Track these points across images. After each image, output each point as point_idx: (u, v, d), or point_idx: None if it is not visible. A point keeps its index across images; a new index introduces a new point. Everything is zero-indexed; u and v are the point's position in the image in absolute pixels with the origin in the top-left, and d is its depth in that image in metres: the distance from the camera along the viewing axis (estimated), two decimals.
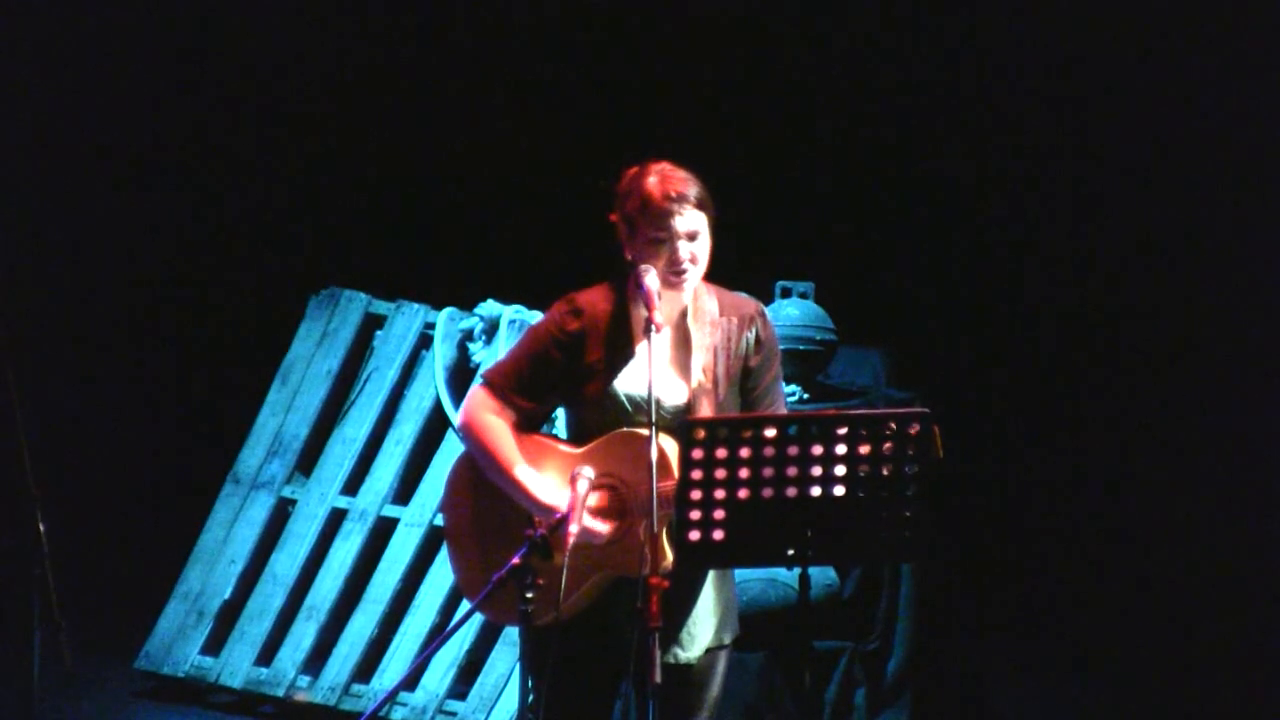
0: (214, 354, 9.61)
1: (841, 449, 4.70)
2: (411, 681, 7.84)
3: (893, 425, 4.69)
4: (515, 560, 4.84)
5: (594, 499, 5.06)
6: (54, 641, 6.38)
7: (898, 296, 9.21)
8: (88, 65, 9.33)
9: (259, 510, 8.22)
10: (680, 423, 4.81)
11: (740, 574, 5.38)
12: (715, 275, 5.24)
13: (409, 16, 9.42)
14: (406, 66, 9.44)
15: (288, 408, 8.28)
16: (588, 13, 9.26)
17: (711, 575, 5.20)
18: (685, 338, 5.20)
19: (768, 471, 4.69)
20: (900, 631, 7.65)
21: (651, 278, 5.05)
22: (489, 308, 8.02)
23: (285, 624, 8.08)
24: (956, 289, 9.22)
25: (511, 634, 7.47)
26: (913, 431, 4.68)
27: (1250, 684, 8.26)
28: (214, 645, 8.13)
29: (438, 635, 7.74)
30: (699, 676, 5.19)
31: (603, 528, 5.05)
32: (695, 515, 4.71)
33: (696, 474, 4.69)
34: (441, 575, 7.85)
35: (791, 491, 4.69)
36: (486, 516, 5.21)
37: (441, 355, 8.05)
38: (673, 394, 5.15)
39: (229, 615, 8.15)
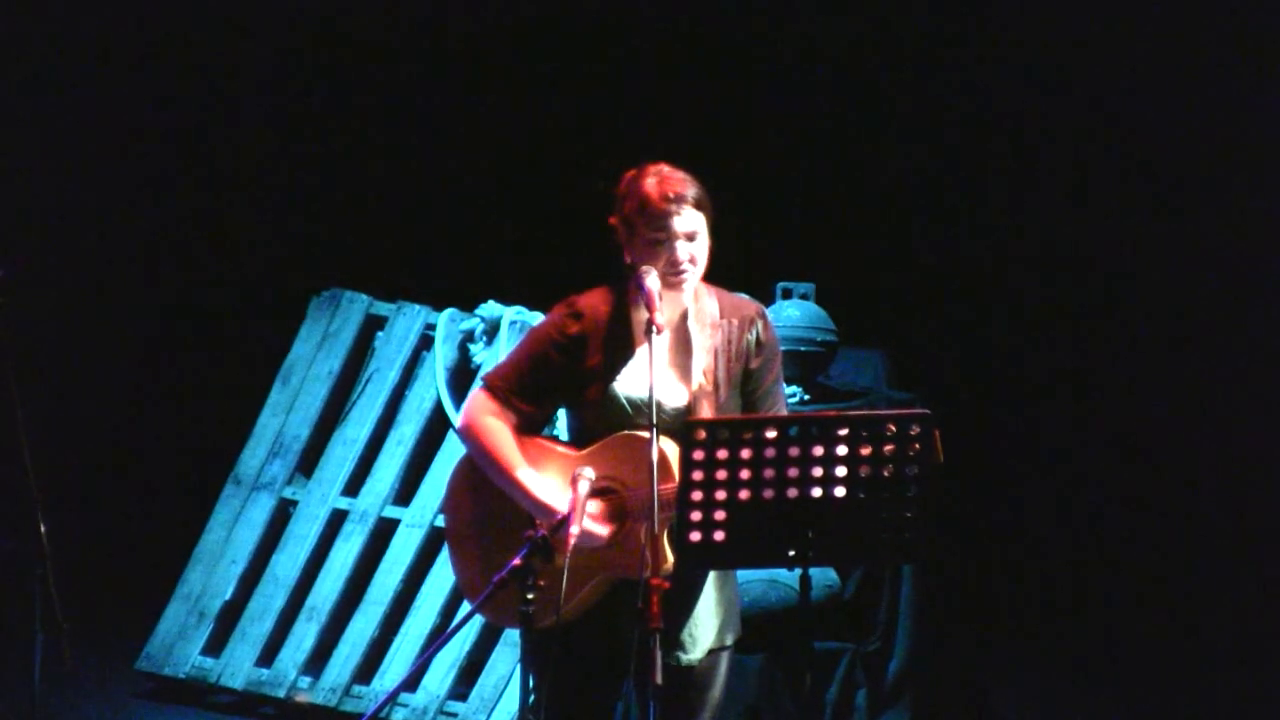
0: (215, 355, 9.61)
1: (842, 450, 4.70)
2: (412, 683, 7.84)
3: (893, 426, 4.69)
4: (516, 561, 4.84)
5: (594, 504, 5.06)
6: (55, 642, 6.38)
7: (898, 298, 9.21)
8: (88, 65, 9.34)
9: (260, 511, 8.22)
10: (681, 424, 4.81)
11: (741, 575, 5.38)
12: (716, 277, 5.25)
13: (410, 17, 9.43)
14: (408, 67, 9.44)
15: (289, 409, 8.28)
16: (589, 13, 9.26)
17: (713, 576, 5.20)
18: (686, 340, 5.20)
19: (769, 472, 4.69)
20: (901, 632, 7.65)
21: (652, 279, 5.05)
22: (490, 309, 8.02)
23: (286, 625, 8.08)
24: (957, 290, 9.22)
25: (512, 635, 7.47)
26: (913, 433, 4.68)
27: (1251, 684, 8.26)
28: (215, 646, 8.13)
29: (439, 636, 7.74)
30: (700, 678, 5.19)
31: (602, 530, 5.05)
32: (696, 516, 4.71)
33: (697, 475, 4.70)
34: (442, 576, 7.85)
35: (792, 492, 4.70)
36: (488, 518, 5.21)
37: (442, 356, 8.06)
38: (673, 396, 5.15)
39: (230, 616, 8.15)
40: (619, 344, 5.17)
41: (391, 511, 8.08)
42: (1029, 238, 9.11)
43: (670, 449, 4.99)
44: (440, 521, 7.89)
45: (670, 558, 4.99)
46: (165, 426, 9.65)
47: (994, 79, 9.01)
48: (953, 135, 9.12)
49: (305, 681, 7.99)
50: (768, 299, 7.63)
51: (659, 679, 4.68)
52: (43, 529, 6.31)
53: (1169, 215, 8.85)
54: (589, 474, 4.99)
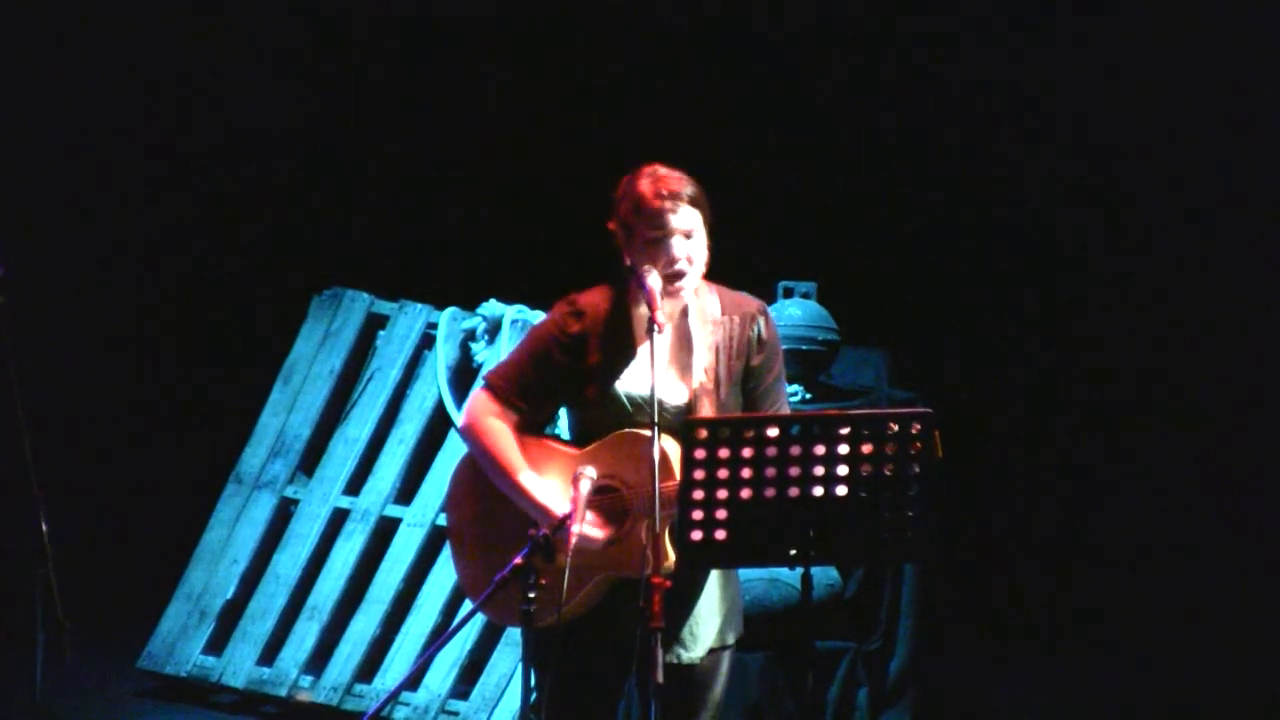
0: (217, 354, 9.61)
1: (844, 449, 4.70)
2: (414, 681, 7.84)
3: (895, 425, 4.69)
4: (518, 560, 4.84)
5: (591, 519, 5.06)
6: (57, 641, 6.37)
7: (900, 297, 9.21)
8: (88, 65, 9.33)
9: (261, 510, 8.22)
10: (682, 423, 4.81)
11: (743, 574, 5.38)
12: (717, 275, 5.24)
13: (411, 16, 9.43)
14: (408, 66, 9.44)
15: (290, 408, 8.28)
16: (590, 13, 9.26)
17: (715, 575, 5.20)
18: (686, 337, 5.20)
19: (770, 471, 4.69)
20: (902, 631, 7.65)
21: (654, 278, 5.05)
22: (491, 308, 8.02)
23: (287, 624, 8.08)
24: (958, 289, 9.22)
25: (514, 634, 7.47)
26: (915, 431, 4.68)
27: (1251, 681, 8.26)
28: (216, 645, 8.13)
29: (440, 635, 7.74)
30: (702, 677, 5.19)
31: (599, 534, 5.05)
32: (697, 515, 4.71)
33: (699, 474, 4.70)
34: (444, 575, 7.86)
35: (794, 491, 4.70)
36: (490, 517, 5.21)
37: (444, 355, 8.06)
38: (674, 394, 5.15)
39: (231, 615, 8.15)
40: (620, 342, 5.17)
41: (393, 510, 8.08)
42: (1030, 237, 9.10)
43: (671, 447, 4.99)
44: (442, 520, 7.89)
45: (671, 556, 4.99)
46: (167, 425, 9.66)
47: (995, 78, 9.00)
48: (954, 134, 9.11)
49: (307, 680, 7.99)
50: (769, 298, 7.63)
51: (660, 678, 4.68)
52: (44, 528, 6.31)
53: (1170, 214, 8.85)
54: (590, 473, 4.99)
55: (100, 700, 8.00)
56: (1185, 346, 8.82)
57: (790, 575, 7.24)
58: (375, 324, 8.29)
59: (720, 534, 4.71)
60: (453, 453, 7.88)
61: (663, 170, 5.16)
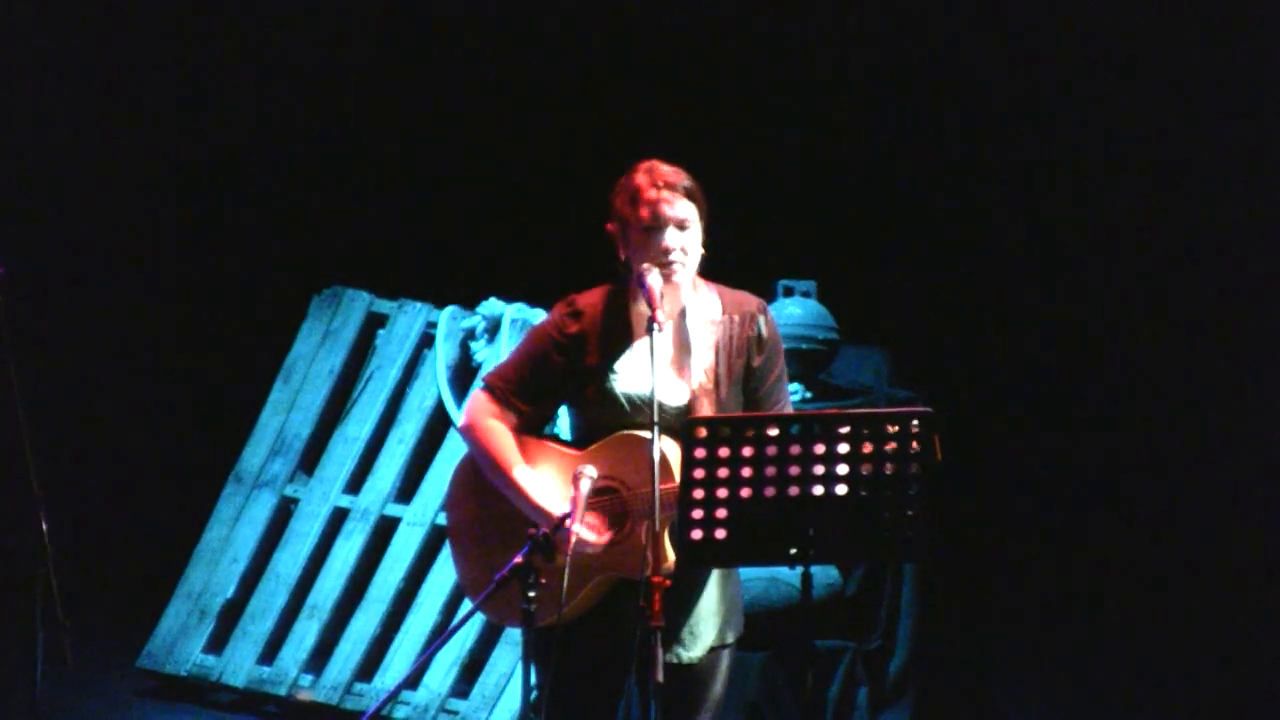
0: (216, 353, 9.61)
1: (844, 448, 4.70)
2: (414, 680, 7.84)
3: (894, 425, 4.69)
4: (518, 559, 4.84)
5: (594, 509, 5.06)
6: (57, 640, 6.37)
7: (900, 295, 9.21)
8: (89, 65, 9.33)
9: (261, 509, 8.22)
10: (682, 422, 4.81)
11: (743, 573, 5.37)
12: (717, 274, 5.25)
13: (412, 16, 9.42)
14: (408, 65, 9.44)
15: (290, 407, 8.28)
16: (591, 12, 9.26)
17: (715, 574, 5.20)
18: (686, 337, 5.20)
19: (770, 470, 4.69)
20: (902, 630, 7.65)
21: (654, 277, 5.05)
22: (491, 307, 8.02)
23: (288, 623, 8.08)
24: (958, 288, 9.22)
25: (514, 633, 7.47)
26: (914, 431, 4.68)
27: (1251, 680, 8.26)
28: (216, 644, 8.14)
29: (440, 634, 7.74)
30: (702, 676, 5.19)
31: (596, 538, 5.06)
32: (697, 514, 4.71)
33: (699, 473, 4.70)
34: (444, 574, 7.86)
35: (794, 490, 4.70)
36: (489, 516, 5.21)
37: (444, 354, 8.06)
38: (674, 394, 5.15)
39: (231, 614, 8.15)
40: (620, 342, 5.17)
41: (393, 509, 8.08)
42: (1030, 235, 9.10)
43: (671, 449, 4.99)
44: (442, 519, 7.89)
45: (672, 557, 4.99)
46: (167, 424, 9.66)
47: (996, 77, 9.00)
48: (954, 133, 9.11)
49: (307, 679, 8.00)
50: (769, 296, 7.63)
51: (660, 677, 4.68)
52: (44, 527, 6.31)
53: (1171, 213, 8.85)
54: (590, 472, 4.99)
55: (100, 699, 8.00)
56: (1186, 345, 8.82)
57: (790, 574, 7.24)
58: (375, 323, 8.29)
59: (720, 533, 4.72)
60: (453, 452, 7.88)
61: (658, 163, 5.18)
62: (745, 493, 4.70)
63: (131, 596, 8.67)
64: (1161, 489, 8.86)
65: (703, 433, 4.69)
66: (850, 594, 7.59)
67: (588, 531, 5.04)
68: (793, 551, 4.74)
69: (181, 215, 9.64)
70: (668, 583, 4.74)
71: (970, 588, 8.55)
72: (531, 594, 4.84)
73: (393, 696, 7.79)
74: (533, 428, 5.23)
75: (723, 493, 4.70)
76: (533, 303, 7.94)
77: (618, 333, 5.18)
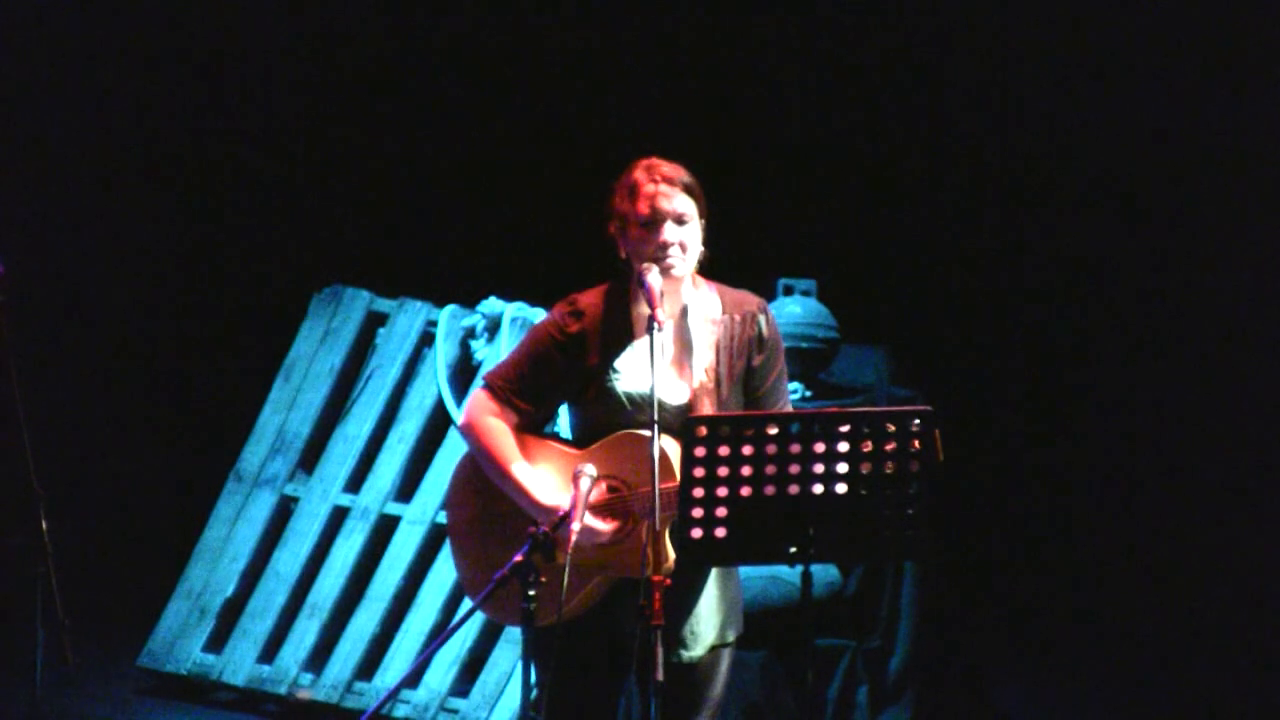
0: (217, 352, 9.61)
1: (844, 447, 4.70)
2: (414, 679, 7.84)
3: (894, 424, 4.69)
4: (518, 558, 4.84)
5: (596, 494, 5.06)
6: (57, 639, 6.38)
7: (900, 294, 9.21)
8: (89, 64, 9.33)
9: (261, 508, 8.22)
10: (683, 421, 4.82)
11: (743, 572, 5.37)
12: (717, 273, 5.25)
13: (412, 15, 9.42)
14: (408, 64, 9.44)
15: (290, 405, 8.29)
16: (591, 11, 9.26)
17: (715, 573, 5.20)
18: (686, 336, 5.20)
19: (770, 469, 4.69)
20: (902, 629, 7.65)
21: (654, 276, 5.05)
22: (491, 305, 8.02)
23: (288, 622, 8.08)
24: (958, 287, 9.22)
25: (514, 632, 7.47)
26: (915, 429, 4.68)
27: (1250, 679, 8.26)
28: (216, 643, 8.14)
29: (440, 633, 7.74)
30: (702, 675, 5.19)
31: (604, 526, 5.06)
32: (698, 513, 4.71)
33: (699, 472, 4.70)
34: (444, 573, 7.86)
35: (794, 489, 4.70)
36: (490, 515, 5.21)
37: (444, 353, 8.06)
38: (674, 393, 5.15)
39: (231, 613, 8.15)
40: (620, 342, 5.18)
41: (393, 508, 8.08)
42: (1030, 235, 9.10)
43: (671, 447, 5.00)
44: (442, 518, 7.89)
45: (672, 556, 4.99)
46: (167, 423, 9.66)
47: (996, 77, 9.00)
48: (954, 132, 9.11)
49: (307, 678, 8.00)
50: (769, 295, 7.63)
51: (661, 676, 4.68)
52: (44, 525, 6.32)
53: (1171, 214, 8.85)
54: (590, 471, 4.99)
55: (100, 698, 8.00)
56: (1188, 345, 8.82)
57: (790, 573, 7.24)
58: (375, 322, 8.29)
59: (720, 532, 4.72)
60: (453, 451, 7.88)
61: (657, 160, 5.19)
62: (745, 491, 4.70)
63: (131, 596, 8.67)
64: (1162, 489, 8.86)
65: (703, 431, 4.69)
66: (850, 593, 7.59)
67: (595, 520, 5.03)
68: (793, 550, 4.74)
69: (182, 214, 9.63)
70: (668, 582, 4.74)
71: (970, 587, 8.55)
72: (532, 593, 4.84)
73: (393, 695, 7.79)
74: (533, 426, 5.23)
75: (723, 491, 4.70)
76: (533, 302, 7.94)
77: (618, 332, 5.18)
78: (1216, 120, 8.68)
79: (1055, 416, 9.12)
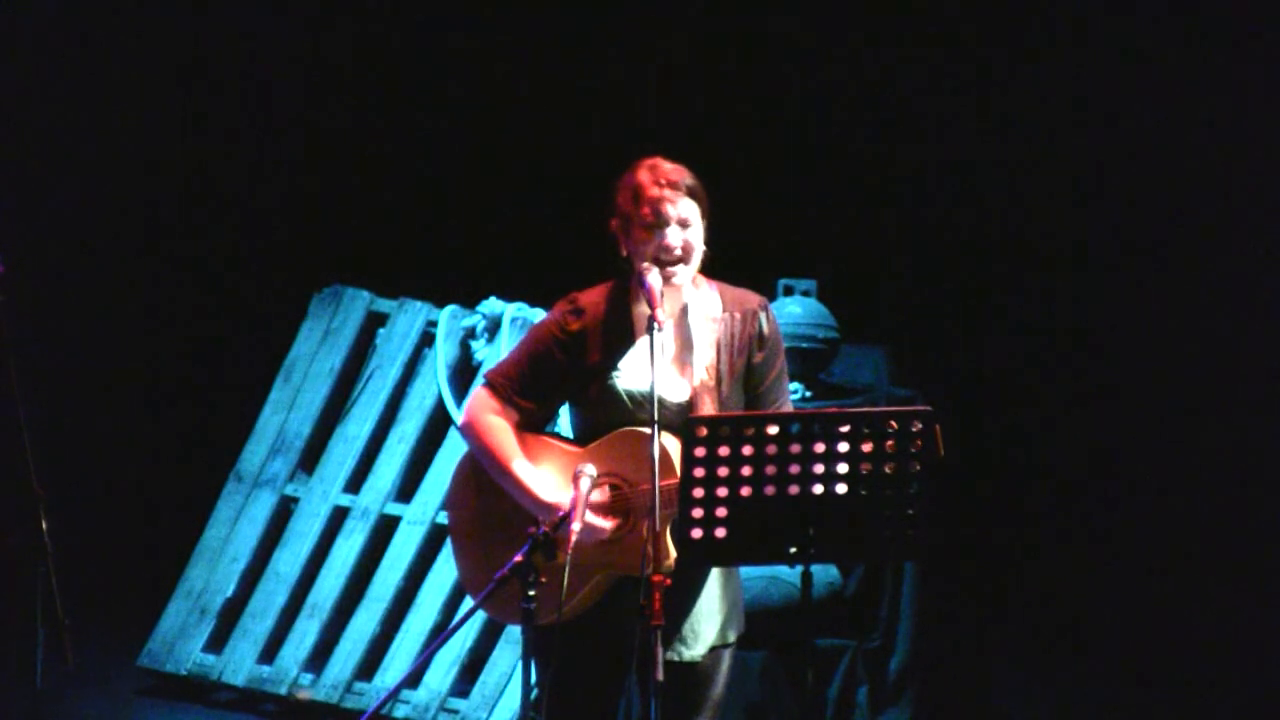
0: (216, 352, 9.61)
1: (844, 447, 4.70)
2: (414, 679, 7.84)
3: (894, 423, 4.69)
4: (518, 558, 4.84)
5: (597, 495, 5.07)
6: (57, 639, 6.38)
7: (900, 294, 9.21)
8: (89, 63, 9.33)
9: (261, 508, 8.23)
10: (683, 421, 4.82)
11: (743, 572, 5.37)
12: (718, 272, 5.25)
13: (412, 15, 9.42)
14: (408, 64, 9.44)
15: (290, 406, 8.29)
16: (592, 10, 9.26)
17: (716, 573, 5.20)
18: (687, 335, 5.20)
19: (770, 469, 4.69)
20: (903, 629, 7.65)
21: (654, 276, 5.05)
22: (491, 305, 8.02)
23: (288, 622, 8.08)
24: (958, 287, 9.22)
25: (514, 632, 7.47)
26: (915, 429, 4.68)
27: (1251, 678, 8.26)
28: (216, 643, 8.14)
29: (440, 633, 7.74)
30: (703, 675, 5.19)
31: (605, 524, 5.06)
32: (698, 513, 4.72)
33: (699, 471, 4.70)
34: (444, 573, 7.86)
35: (794, 489, 4.70)
36: (490, 514, 5.21)
37: (444, 353, 8.06)
38: (675, 391, 5.15)
39: (231, 613, 8.15)
40: (621, 340, 5.18)
41: (393, 508, 8.08)
42: (1030, 234, 9.10)
43: (672, 445, 5.00)
44: (442, 518, 7.89)
45: (672, 555, 4.99)
46: (167, 423, 9.65)
47: (996, 77, 9.00)
48: (954, 132, 9.11)
49: (307, 678, 8.00)
50: (770, 295, 7.63)
51: (661, 675, 4.68)
52: (45, 525, 6.31)
53: (1171, 211, 8.85)
54: (590, 470, 5.00)
55: (100, 698, 8.00)
56: (1188, 345, 8.82)
57: (790, 573, 7.24)
58: (375, 322, 8.30)
59: (720, 531, 4.72)
60: (453, 450, 7.88)
61: (661, 161, 5.18)
62: (745, 491, 4.70)
63: (132, 595, 8.67)
64: (1164, 488, 8.86)
65: (703, 431, 4.69)
66: (850, 593, 7.59)
67: (595, 518, 5.03)
68: (793, 550, 4.74)
69: (181, 214, 9.63)
70: (668, 581, 4.74)
71: (970, 587, 8.54)
72: (532, 592, 4.84)
73: (393, 695, 7.79)
74: (534, 425, 5.23)
75: (723, 491, 4.70)
76: (533, 302, 7.94)
77: (619, 330, 5.18)
78: (1217, 120, 8.68)
79: (1055, 416, 9.12)
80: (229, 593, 8.17)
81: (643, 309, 5.05)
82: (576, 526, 4.90)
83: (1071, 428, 9.09)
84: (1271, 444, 8.68)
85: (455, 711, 7.78)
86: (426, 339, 8.17)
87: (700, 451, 4.69)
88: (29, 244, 8.80)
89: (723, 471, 4.70)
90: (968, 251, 9.18)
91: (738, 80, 9.24)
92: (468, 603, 5.21)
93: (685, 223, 5.13)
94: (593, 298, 5.22)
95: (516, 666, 7.57)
